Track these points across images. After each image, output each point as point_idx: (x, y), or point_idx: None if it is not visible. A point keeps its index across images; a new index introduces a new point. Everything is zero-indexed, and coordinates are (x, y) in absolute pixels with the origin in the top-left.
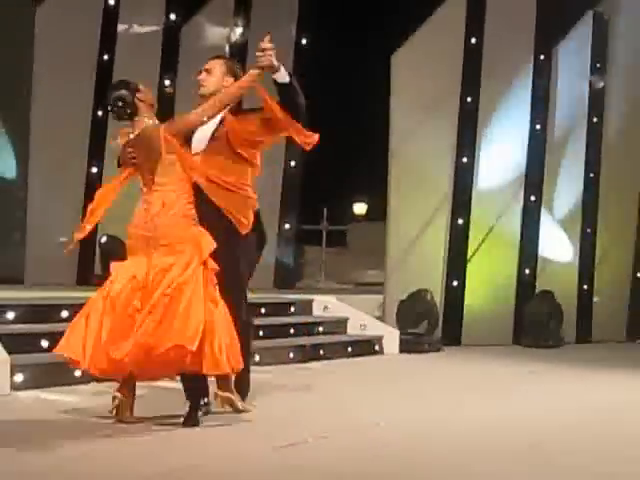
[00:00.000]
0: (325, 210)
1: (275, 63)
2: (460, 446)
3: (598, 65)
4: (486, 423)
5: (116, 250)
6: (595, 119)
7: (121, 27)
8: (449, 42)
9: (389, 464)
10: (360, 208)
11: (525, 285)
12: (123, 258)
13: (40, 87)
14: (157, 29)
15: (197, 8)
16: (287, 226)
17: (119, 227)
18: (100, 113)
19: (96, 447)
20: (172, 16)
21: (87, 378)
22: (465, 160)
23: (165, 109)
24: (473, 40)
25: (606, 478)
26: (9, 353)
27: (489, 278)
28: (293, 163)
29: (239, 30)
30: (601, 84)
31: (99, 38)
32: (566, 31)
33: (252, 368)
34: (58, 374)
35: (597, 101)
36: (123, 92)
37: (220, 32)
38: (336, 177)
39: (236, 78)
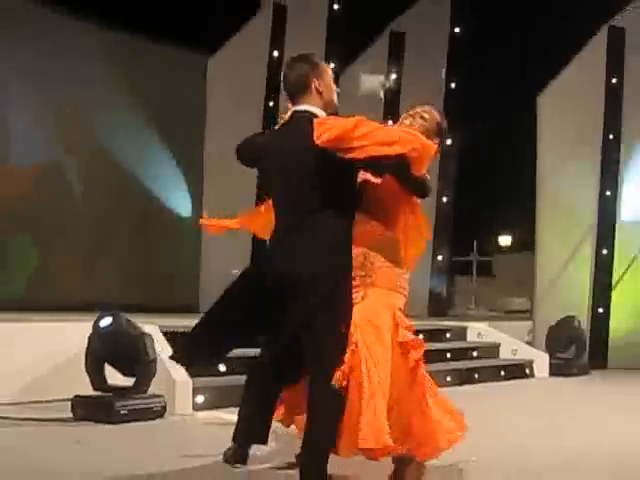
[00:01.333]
0: (475, 242)
1: None
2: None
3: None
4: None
5: None
6: None
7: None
8: (591, 82)
9: None
10: (505, 240)
11: None
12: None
13: (212, 130)
14: None
15: (353, 57)
16: (440, 258)
17: None
18: None
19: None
20: (331, 64)
21: None
22: (608, 193)
23: None
24: (614, 80)
25: None
26: (191, 376)
27: (633, 305)
28: (445, 199)
29: (393, 76)
30: None
31: (265, 86)
32: None
33: None
34: (235, 396)
35: None
36: None
37: (376, 79)
38: (484, 211)
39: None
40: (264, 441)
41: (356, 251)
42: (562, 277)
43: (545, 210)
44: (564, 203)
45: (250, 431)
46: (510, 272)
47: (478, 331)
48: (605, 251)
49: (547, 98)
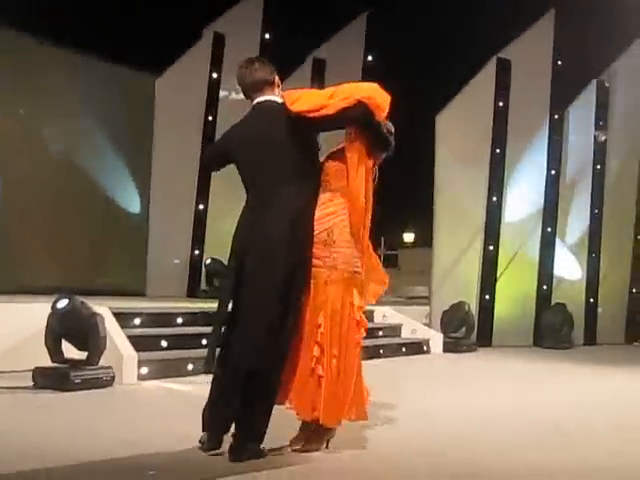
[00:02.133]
0: (383, 239)
1: None
2: (496, 427)
3: (601, 123)
4: (518, 407)
5: (218, 270)
6: (598, 166)
7: (222, 93)
8: (482, 104)
9: (441, 443)
10: (408, 237)
11: (543, 298)
12: (224, 277)
13: (159, 141)
14: None
15: (282, 78)
16: None
17: (221, 250)
18: None
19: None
20: None
21: (198, 372)
22: (495, 199)
23: None
24: (501, 104)
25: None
26: (137, 351)
27: (514, 293)
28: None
29: None
30: (603, 138)
31: (205, 103)
32: (575, 95)
33: None
34: (175, 368)
35: (600, 152)
36: None
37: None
38: (391, 213)
39: None
40: None
41: (320, 228)
42: (455, 269)
43: (442, 212)
44: (458, 206)
45: None
46: (412, 264)
47: (383, 314)
48: (491, 247)
49: (445, 117)
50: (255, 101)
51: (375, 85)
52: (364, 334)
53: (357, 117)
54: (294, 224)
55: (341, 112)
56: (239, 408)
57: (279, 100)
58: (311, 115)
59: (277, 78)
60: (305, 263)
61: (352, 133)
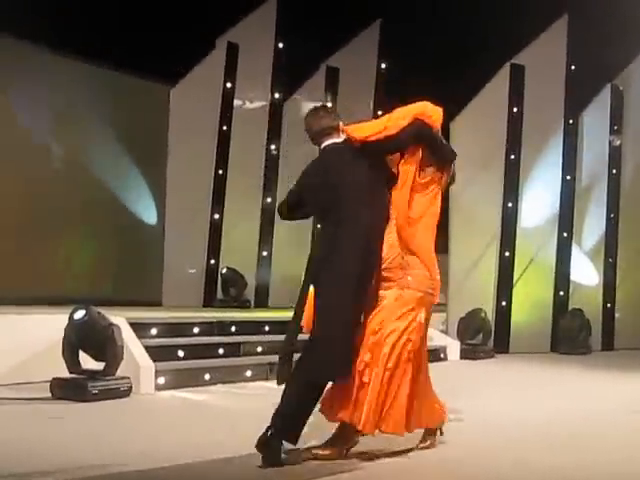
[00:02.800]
0: None
1: None
2: (513, 434)
3: (615, 127)
4: (536, 414)
5: (233, 279)
6: (614, 171)
7: (236, 103)
8: (496, 110)
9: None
10: None
11: (560, 304)
12: (240, 285)
13: (174, 151)
14: (265, 104)
15: (296, 87)
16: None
17: (236, 259)
18: (220, 171)
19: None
20: (276, 94)
21: (215, 381)
22: (510, 205)
23: (271, 167)
24: (515, 109)
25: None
26: (154, 361)
27: (531, 299)
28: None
29: (329, 104)
30: (618, 142)
31: (219, 113)
32: (590, 100)
33: None
34: (192, 378)
35: (615, 157)
36: None
37: (314, 105)
38: None
39: None
40: None
41: (394, 253)
42: (471, 276)
43: (457, 218)
44: (473, 212)
45: None
46: None
47: None
48: (507, 253)
49: (459, 123)
50: (323, 145)
51: (425, 102)
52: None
53: (417, 132)
54: (367, 249)
55: (402, 130)
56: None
57: (342, 139)
58: (374, 138)
59: (341, 123)
60: (373, 282)
61: (409, 152)
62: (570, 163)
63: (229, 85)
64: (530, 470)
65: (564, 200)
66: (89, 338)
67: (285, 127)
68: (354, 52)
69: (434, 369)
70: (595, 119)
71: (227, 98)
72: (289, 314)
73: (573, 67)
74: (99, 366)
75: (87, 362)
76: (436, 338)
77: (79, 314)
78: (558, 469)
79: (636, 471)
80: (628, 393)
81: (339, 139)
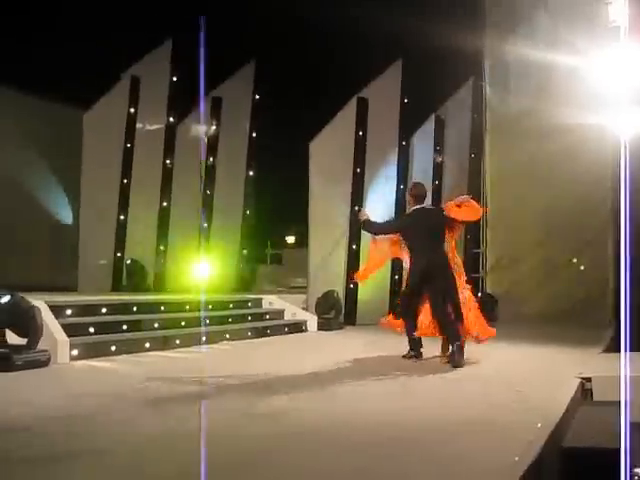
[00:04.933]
0: (269, 241)
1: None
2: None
3: (438, 148)
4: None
5: (136, 269)
6: (437, 182)
7: (139, 125)
8: (346, 134)
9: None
10: (290, 239)
11: (394, 286)
12: (142, 274)
13: (87, 163)
14: (161, 127)
15: (186, 113)
16: (245, 252)
17: (138, 252)
18: (125, 181)
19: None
20: (171, 119)
21: (119, 352)
22: (356, 208)
23: (167, 177)
24: (360, 132)
25: None
26: (68, 336)
27: (373, 282)
28: (248, 212)
29: (213, 127)
30: (440, 159)
31: (124, 133)
32: (418, 126)
33: (226, 342)
34: (100, 350)
35: (438, 170)
36: None
37: (202, 129)
38: (276, 220)
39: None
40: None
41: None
42: (326, 264)
43: (315, 219)
44: (328, 214)
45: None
46: (294, 261)
47: (270, 301)
48: (354, 246)
49: (316, 144)
50: (419, 207)
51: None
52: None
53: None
54: (447, 262)
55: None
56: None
57: (430, 204)
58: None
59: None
60: (453, 277)
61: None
62: (403, 175)
63: (132, 110)
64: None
65: (398, 205)
66: (14, 318)
67: (178, 146)
68: (234, 85)
69: (298, 338)
70: (423, 141)
71: (131, 121)
72: (181, 297)
73: (406, 100)
74: (23, 341)
75: (12, 338)
76: (299, 314)
77: (5, 298)
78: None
79: None
80: None
81: (427, 204)
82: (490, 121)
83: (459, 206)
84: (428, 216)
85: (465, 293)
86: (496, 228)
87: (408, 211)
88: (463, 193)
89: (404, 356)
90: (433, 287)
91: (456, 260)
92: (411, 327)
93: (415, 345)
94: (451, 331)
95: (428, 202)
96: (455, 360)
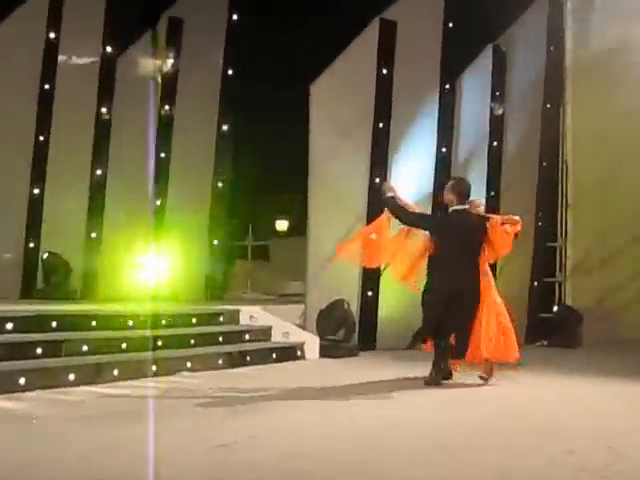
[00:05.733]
0: (251, 226)
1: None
2: (366, 443)
3: (498, 93)
4: (397, 422)
5: (57, 265)
6: (495, 143)
7: (61, 57)
8: (363, 72)
9: (308, 462)
10: (281, 224)
11: None
12: (64, 273)
13: None
14: (95, 60)
15: (131, 40)
16: (216, 242)
17: (60, 243)
18: (41, 137)
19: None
20: (108, 49)
21: (31, 386)
22: (377, 180)
23: (102, 134)
24: (384, 70)
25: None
26: None
27: (401, 288)
28: (220, 184)
29: (170, 61)
30: (501, 111)
31: (41, 68)
32: (469, 62)
33: (185, 374)
34: (4, 382)
35: (497, 126)
36: None
37: (153, 63)
38: (261, 196)
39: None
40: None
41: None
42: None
43: (318, 196)
44: (336, 189)
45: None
46: (285, 256)
47: (251, 314)
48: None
49: (320, 87)
50: (459, 208)
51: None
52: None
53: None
54: (476, 284)
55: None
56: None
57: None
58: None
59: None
60: (478, 301)
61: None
62: (446, 133)
63: (53, 36)
64: None
65: (439, 176)
66: None
67: (118, 87)
68: (201, 2)
69: (289, 369)
70: (475, 83)
71: (50, 51)
72: (121, 308)
73: (451, 24)
74: None
75: None
76: (293, 334)
77: None
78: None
79: None
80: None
81: (464, 206)
82: (573, 58)
83: (503, 224)
84: (466, 223)
85: (495, 307)
86: (580, 211)
87: (447, 211)
88: (533, 160)
89: (427, 382)
90: (454, 307)
91: (484, 269)
92: (442, 346)
93: (441, 369)
94: (448, 347)
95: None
96: (429, 377)
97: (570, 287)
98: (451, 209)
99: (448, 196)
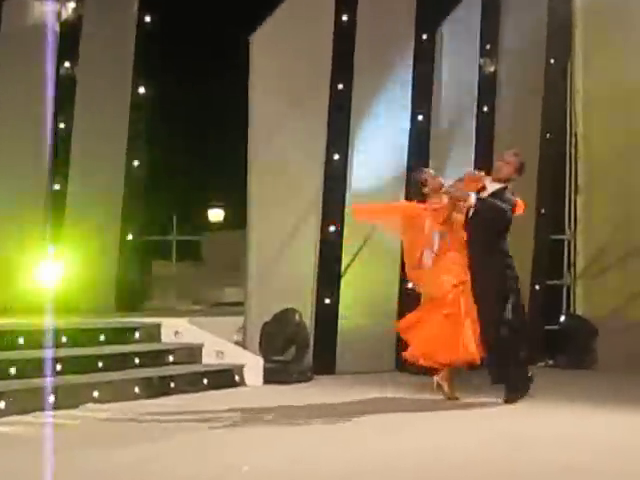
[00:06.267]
0: (175, 217)
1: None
2: None
3: (488, 47)
4: (366, 466)
5: None
6: (485, 108)
7: None
8: (318, 19)
9: None
10: (216, 214)
11: (409, 300)
12: None
13: None
14: None
15: None
16: (130, 237)
17: None
18: None
19: None
20: None
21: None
22: (337, 157)
23: None
24: (345, 17)
25: None
26: None
27: (368, 294)
28: (137, 163)
29: (71, 5)
30: (492, 68)
31: None
32: (453, 7)
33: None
34: None
35: (487, 87)
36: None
37: (47, 7)
38: (188, 178)
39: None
40: None
41: None
42: (281, 261)
43: (261, 179)
44: (283, 170)
45: None
46: (221, 255)
47: (176, 329)
48: (333, 228)
49: (262, 39)
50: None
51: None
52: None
53: None
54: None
55: None
56: None
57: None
58: None
59: None
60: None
61: None
62: (423, 97)
63: None
64: None
65: (415, 151)
66: None
67: (2, 39)
68: None
69: (224, 399)
70: (460, 33)
71: None
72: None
73: None
74: None
75: None
76: (229, 354)
77: None
78: None
79: None
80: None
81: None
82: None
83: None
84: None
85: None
86: (594, 196)
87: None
88: (534, 132)
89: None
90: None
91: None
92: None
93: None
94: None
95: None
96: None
97: (581, 292)
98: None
99: (507, 169)
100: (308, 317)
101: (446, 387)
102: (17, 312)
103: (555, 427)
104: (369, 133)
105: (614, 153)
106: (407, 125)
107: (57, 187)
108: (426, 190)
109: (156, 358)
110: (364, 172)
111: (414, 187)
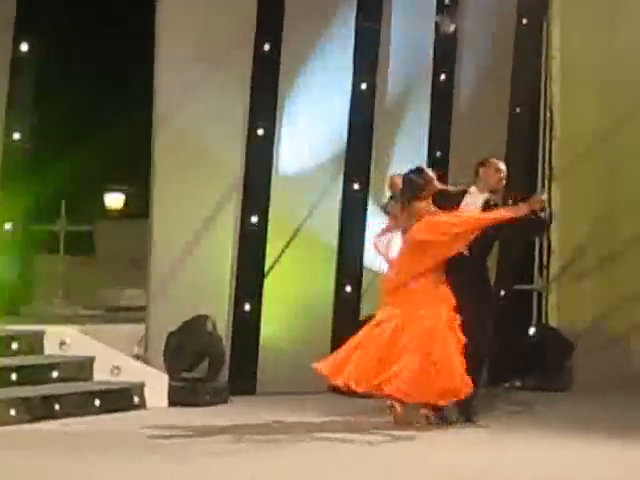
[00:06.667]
0: (64, 203)
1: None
2: None
3: (447, 2)
4: None
5: None
6: (443, 76)
7: None
8: None
9: None
10: (115, 200)
11: (346, 306)
12: None
13: None
14: None
15: None
16: (8, 227)
17: None
18: None
19: None
20: None
21: None
22: (261, 132)
23: None
24: None
25: None
26: None
27: (296, 299)
28: (17, 135)
29: None
30: (451, 28)
31: None
32: None
33: None
34: None
35: (445, 51)
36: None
37: None
38: (79, 157)
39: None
40: None
41: None
42: (191, 258)
43: (168, 159)
44: (196, 148)
45: None
46: (118, 249)
47: (62, 339)
48: (255, 219)
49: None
50: None
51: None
52: None
53: None
54: None
55: None
56: None
57: None
58: None
59: None
60: None
61: None
62: (368, 62)
63: None
64: None
65: (356, 126)
66: None
67: None
68: None
69: (122, 422)
70: None
71: None
72: None
73: None
74: None
75: None
76: (126, 369)
77: None
78: None
79: None
80: None
81: None
82: None
83: None
84: None
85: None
86: (572, 184)
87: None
88: (501, 105)
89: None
90: None
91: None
92: None
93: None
94: None
95: None
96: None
97: (556, 299)
98: None
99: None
100: (224, 326)
101: (399, 408)
102: None
103: (518, 461)
104: (301, 104)
105: (597, 132)
106: (347, 95)
107: None
108: (423, 195)
109: (37, 374)
110: (294, 151)
111: (410, 192)
